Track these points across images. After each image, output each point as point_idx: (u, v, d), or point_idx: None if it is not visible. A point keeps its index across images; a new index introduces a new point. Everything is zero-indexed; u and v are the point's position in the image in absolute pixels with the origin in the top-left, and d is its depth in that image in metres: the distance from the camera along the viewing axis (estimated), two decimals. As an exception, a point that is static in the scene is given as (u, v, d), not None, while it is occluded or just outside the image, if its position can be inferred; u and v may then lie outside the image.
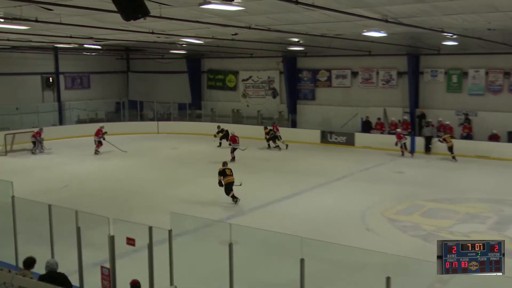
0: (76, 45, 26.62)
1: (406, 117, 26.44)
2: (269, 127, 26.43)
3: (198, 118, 33.01)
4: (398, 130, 24.57)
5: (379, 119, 26.78)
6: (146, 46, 28.33)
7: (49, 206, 9.08)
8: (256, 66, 31.91)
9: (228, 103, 32.84)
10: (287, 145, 25.55)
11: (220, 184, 15.40)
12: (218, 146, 26.15)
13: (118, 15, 8.12)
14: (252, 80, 32.37)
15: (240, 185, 15.35)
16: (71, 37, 19.85)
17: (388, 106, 27.39)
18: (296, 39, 22.09)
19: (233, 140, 23.02)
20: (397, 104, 27.24)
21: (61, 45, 27.69)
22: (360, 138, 26.31)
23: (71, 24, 14.98)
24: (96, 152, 24.44)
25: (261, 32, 17.40)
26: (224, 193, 15.36)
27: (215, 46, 25.28)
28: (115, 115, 34.09)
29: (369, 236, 12.75)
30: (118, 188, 17.81)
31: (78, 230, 8.50)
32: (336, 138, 26.87)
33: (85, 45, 26.79)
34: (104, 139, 24.72)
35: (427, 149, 24.22)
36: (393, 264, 7.71)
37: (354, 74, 28.49)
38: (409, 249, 11.61)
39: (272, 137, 25.74)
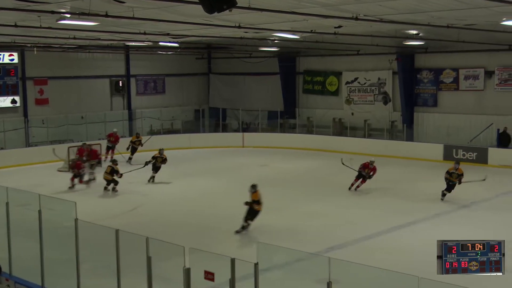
0: (150, 43, 27.71)
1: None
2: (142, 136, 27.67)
3: (291, 129, 33.25)
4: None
5: (521, 130, 25.90)
6: (231, 43, 28.93)
7: (117, 231, 9.40)
8: (364, 66, 31.73)
9: (328, 111, 32.87)
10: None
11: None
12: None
13: (199, 7, 8.40)
14: (359, 82, 32.19)
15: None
16: (145, 33, 20.63)
17: (533, 114, 26.55)
18: (414, 32, 21.81)
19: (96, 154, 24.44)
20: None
21: (133, 44, 28.90)
22: (496, 154, 25.60)
23: (145, 18, 15.60)
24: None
25: (371, 24, 17.27)
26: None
27: (313, 42, 25.36)
28: (194, 125, 35.04)
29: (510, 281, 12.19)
30: (195, 213, 18.18)
31: (149, 260, 8.75)
32: (464, 155, 26.23)
33: (161, 43, 27.80)
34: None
35: None
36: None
37: (489, 74, 27.82)
38: None
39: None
